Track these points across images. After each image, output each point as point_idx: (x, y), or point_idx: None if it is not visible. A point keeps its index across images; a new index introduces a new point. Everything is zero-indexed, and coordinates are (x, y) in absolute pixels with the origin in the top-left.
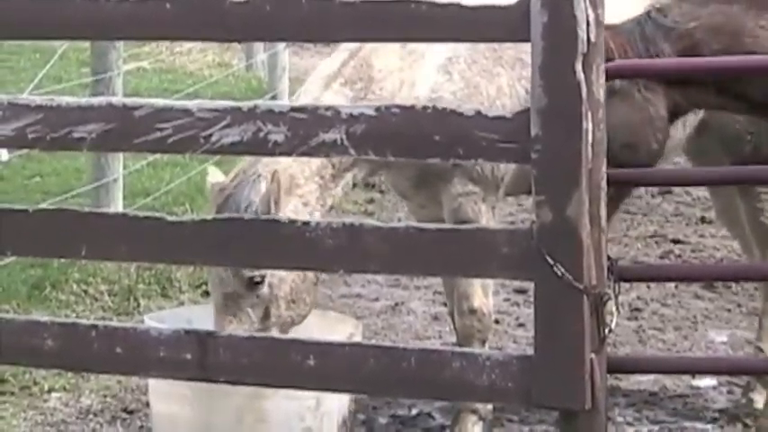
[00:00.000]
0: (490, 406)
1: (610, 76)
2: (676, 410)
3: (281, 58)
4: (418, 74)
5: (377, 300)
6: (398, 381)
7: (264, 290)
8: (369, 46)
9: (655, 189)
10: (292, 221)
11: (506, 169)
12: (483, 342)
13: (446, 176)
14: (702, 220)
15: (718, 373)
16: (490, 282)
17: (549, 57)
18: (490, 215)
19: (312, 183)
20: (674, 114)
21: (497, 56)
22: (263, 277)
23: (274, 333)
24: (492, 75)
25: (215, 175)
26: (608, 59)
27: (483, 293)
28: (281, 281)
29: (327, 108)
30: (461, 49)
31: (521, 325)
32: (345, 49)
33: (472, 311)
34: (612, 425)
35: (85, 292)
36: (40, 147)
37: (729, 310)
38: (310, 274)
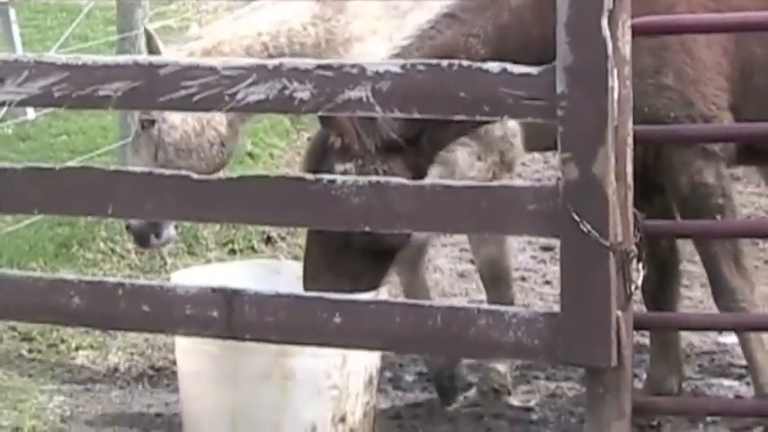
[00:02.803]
0: (517, 362)
1: (636, 33)
2: (703, 367)
3: None
4: (397, 31)
5: None
6: (425, 338)
7: (154, 132)
8: None
9: None
10: (318, 179)
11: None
12: (509, 286)
13: None
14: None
15: (744, 330)
16: None
17: (575, 13)
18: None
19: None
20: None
21: None
22: (153, 121)
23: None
24: None
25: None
26: (348, 145)
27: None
28: (171, 128)
29: (353, 65)
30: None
31: (547, 282)
32: None
33: (490, 258)
34: (639, 382)
35: (112, 250)
36: (66, 105)
37: (756, 267)
38: (211, 132)
